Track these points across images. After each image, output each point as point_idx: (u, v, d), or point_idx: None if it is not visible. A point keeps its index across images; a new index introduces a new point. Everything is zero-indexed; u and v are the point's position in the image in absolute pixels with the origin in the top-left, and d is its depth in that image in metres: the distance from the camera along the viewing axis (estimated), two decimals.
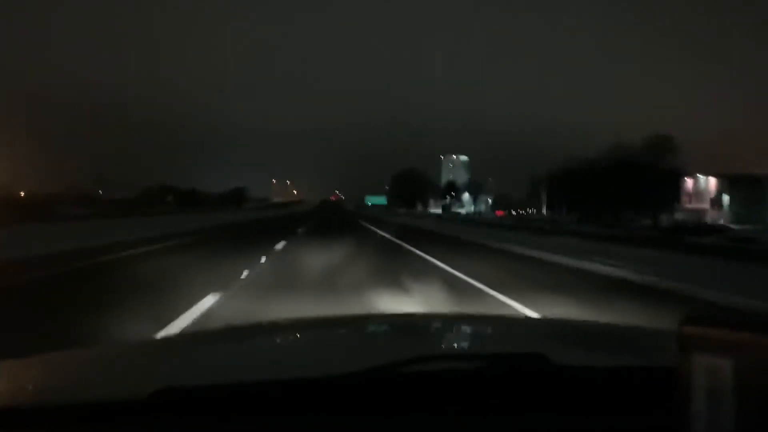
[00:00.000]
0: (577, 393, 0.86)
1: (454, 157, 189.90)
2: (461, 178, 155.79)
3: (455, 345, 1.58)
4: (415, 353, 0.91)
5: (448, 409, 0.83)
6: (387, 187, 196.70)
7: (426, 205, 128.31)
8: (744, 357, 0.51)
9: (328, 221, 34.88)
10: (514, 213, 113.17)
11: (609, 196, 51.16)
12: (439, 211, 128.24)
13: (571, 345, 1.51)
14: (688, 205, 68.53)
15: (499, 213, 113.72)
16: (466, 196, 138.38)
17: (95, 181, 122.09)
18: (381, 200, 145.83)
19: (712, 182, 68.87)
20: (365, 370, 0.86)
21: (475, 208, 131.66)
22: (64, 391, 0.97)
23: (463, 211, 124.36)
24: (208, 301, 5.89)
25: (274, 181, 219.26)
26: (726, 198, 65.88)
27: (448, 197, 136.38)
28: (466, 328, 1.78)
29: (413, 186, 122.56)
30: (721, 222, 54.64)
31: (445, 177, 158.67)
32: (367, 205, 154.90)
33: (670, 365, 0.57)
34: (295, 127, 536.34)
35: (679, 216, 56.96)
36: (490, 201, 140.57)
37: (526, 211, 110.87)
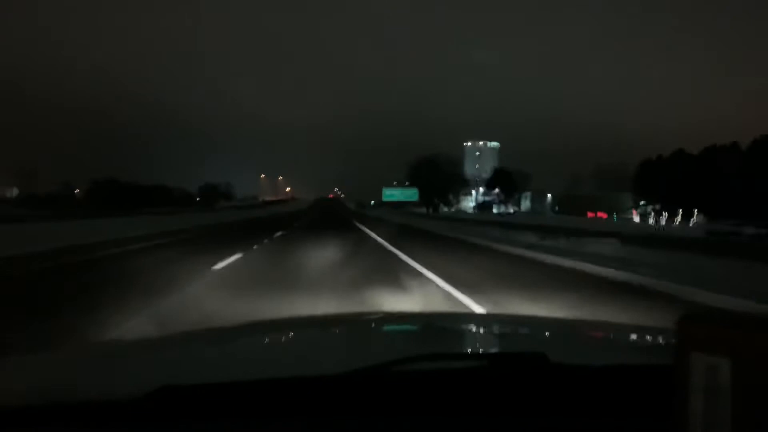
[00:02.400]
0: (577, 392, 0.88)
1: (481, 143, 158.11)
2: (490, 169, 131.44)
3: (455, 344, 1.62)
4: (415, 352, 0.92)
5: (448, 408, 0.84)
6: (395, 183, 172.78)
7: (448, 204, 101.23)
8: (742, 356, 0.51)
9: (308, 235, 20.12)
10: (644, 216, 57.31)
11: None
12: (467, 210, 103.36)
13: (571, 344, 1.55)
14: None
15: (600, 215, 70.39)
16: (496, 190, 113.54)
17: (20, 176, 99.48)
18: (410, 194, 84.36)
19: None
20: (365, 369, 0.88)
21: (513, 207, 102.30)
22: (62, 390, 0.98)
23: (506, 210, 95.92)
24: None
25: (262, 176, 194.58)
26: None
27: (473, 192, 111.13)
28: (467, 327, 1.83)
29: (440, 178, 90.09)
30: None
31: (470, 168, 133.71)
32: (380, 204, 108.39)
33: (668, 364, 0.58)
34: (293, 121, 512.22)
35: None
36: (549, 198, 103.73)
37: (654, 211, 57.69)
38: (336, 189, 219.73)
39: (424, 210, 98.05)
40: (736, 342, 0.52)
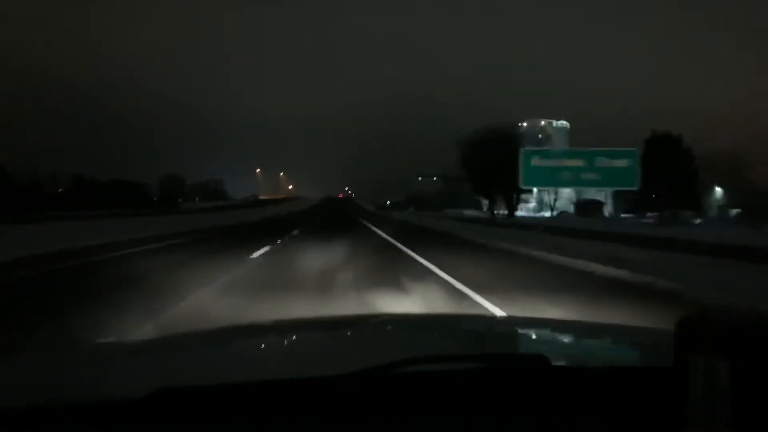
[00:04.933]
0: (576, 394, 0.89)
1: (543, 123, 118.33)
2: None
3: (455, 345, 1.63)
4: (414, 354, 0.93)
5: (447, 410, 0.86)
6: (420, 178, 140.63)
7: (509, 203, 68.30)
8: (742, 356, 0.52)
9: None
10: None
11: None
12: (527, 210, 71.52)
13: (570, 346, 1.60)
14: None
15: None
16: (566, 191, 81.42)
17: None
18: (624, 176, 14.44)
19: None
20: (364, 371, 0.89)
21: (613, 212, 64.17)
22: (62, 391, 1.00)
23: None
24: None
25: (258, 171, 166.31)
26: None
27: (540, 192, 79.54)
28: (466, 329, 1.86)
29: (505, 162, 59.14)
30: None
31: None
32: (407, 202, 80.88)
33: (668, 365, 0.59)
34: (298, 115, 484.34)
35: None
36: (718, 192, 62.82)
37: None
38: (346, 188, 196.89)
39: (468, 212, 67.50)
40: (735, 343, 0.53)
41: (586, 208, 64.27)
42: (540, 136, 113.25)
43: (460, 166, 62.32)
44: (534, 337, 1.75)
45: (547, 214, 73.04)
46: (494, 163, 56.36)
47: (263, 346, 1.56)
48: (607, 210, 63.82)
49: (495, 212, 61.47)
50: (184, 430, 0.82)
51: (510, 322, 2.51)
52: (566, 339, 1.68)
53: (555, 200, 73.30)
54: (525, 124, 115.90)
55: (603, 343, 1.63)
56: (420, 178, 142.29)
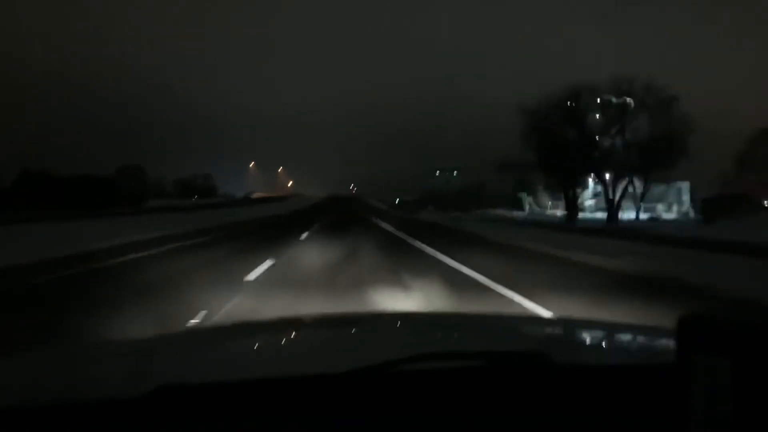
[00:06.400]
0: (578, 392, 0.89)
1: (598, 100, 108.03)
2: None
3: (456, 343, 1.64)
4: (416, 351, 0.94)
5: (449, 407, 0.86)
6: (438, 173, 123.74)
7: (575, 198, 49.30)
8: (743, 356, 0.52)
9: None
10: None
11: None
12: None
13: (572, 343, 1.61)
14: None
15: None
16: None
17: None
18: None
19: None
20: (365, 368, 0.89)
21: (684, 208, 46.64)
22: (61, 390, 1.00)
23: None
24: None
25: (251, 164, 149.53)
26: None
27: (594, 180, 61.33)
28: (468, 327, 1.86)
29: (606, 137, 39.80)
30: None
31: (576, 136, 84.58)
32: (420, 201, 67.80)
33: (669, 364, 0.59)
34: (302, 110, 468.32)
35: None
36: None
37: None
38: (351, 185, 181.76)
39: (500, 212, 51.43)
40: (737, 342, 0.53)
41: (717, 206, 37.45)
42: (597, 116, 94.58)
43: (525, 145, 44.79)
44: (536, 335, 1.74)
45: (626, 215, 54.81)
46: (587, 139, 39.38)
47: (264, 344, 1.56)
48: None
49: (611, 212, 42.69)
50: (184, 430, 0.82)
51: (512, 320, 2.54)
52: (568, 337, 1.69)
53: (642, 196, 54.99)
54: (574, 99, 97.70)
55: (605, 341, 1.63)
56: (438, 173, 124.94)
